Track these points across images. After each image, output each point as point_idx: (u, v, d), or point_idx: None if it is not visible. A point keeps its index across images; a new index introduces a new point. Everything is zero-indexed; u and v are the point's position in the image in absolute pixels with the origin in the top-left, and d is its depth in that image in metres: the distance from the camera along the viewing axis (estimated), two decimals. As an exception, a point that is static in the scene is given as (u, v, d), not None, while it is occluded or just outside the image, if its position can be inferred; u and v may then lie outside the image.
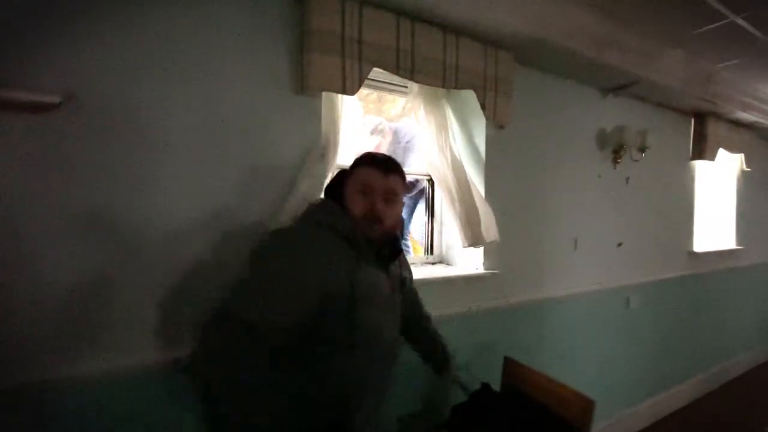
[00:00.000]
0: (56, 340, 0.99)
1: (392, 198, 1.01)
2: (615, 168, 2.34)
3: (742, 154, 3.24)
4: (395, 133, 2.35)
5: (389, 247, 1.04)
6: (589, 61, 1.83)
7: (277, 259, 0.91)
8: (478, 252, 1.80)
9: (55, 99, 0.96)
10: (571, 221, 2.14)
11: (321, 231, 0.95)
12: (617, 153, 2.31)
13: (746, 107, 2.80)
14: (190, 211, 1.14)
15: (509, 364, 1.55)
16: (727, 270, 3.28)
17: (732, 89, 2.57)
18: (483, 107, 1.65)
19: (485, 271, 1.78)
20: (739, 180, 3.40)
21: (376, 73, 1.64)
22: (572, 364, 2.14)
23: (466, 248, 1.71)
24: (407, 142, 2.32)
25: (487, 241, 1.68)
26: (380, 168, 1.01)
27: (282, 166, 1.29)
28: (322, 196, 1.11)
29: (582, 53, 1.75)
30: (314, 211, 1.01)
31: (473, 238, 1.67)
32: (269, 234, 0.99)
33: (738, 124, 3.08)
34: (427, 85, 1.53)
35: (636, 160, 2.38)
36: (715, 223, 3.35)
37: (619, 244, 2.38)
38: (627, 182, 2.42)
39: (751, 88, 2.62)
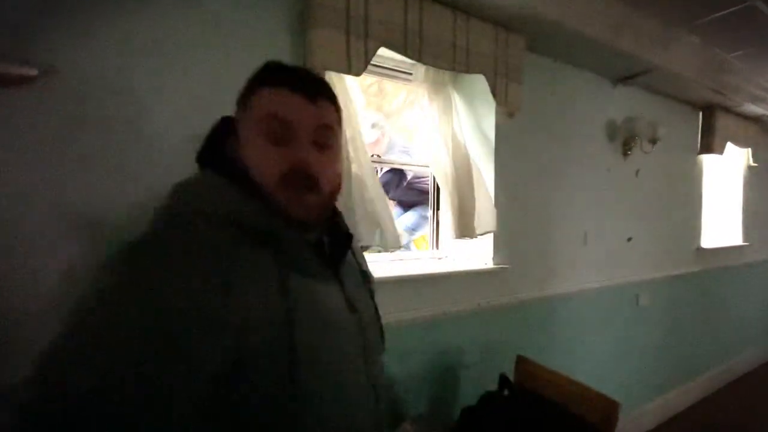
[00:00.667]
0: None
1: (328, 141, 0.60)
2: (625, 160, 2.27)
3: (749, 149, 3.18)
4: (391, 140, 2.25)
5: (337, 232, 0.67)
6: (602, 47, 1.75)
7: (121, 304, 0.46)
8: (488, 246, 1.72)
9: (32, 71, 0.87)
10: (580, 215, 2.07)
11: (202, 232, 0.52)
12: (627, 145, 2.24)
13: (755, 99, 2.74)
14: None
15: (522, 362, 1.48)
16: (735, 266, 3.22)
17: (743, 80, 2.50)
18: (494, 93, 1.57)
19: (494, 266, 1.70)
20: (745, 175, 3.34)
21: (380, 58, 1.57)
22: (582, 363, 2.06)
23: (456, 240, 1.64)
24: (404, 148, 2.21)
25: (478, 232, 1.61)
26: (301, 89, 0.57)
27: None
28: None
29: (597, 37, 1.67)
30: (184, 195, 0.56)
31: (462, 230, 1.60)
32: (114, 254, 0.50)
33: (745, 117, 3.02)
34: (436, 67, 1.45)
35: (646, 153, 2.31)
36: (721, 219, 3.30)
37: (629, 239, 2.31)
38: (637, 175, 2.35)
39: (761, 79, 2.56)
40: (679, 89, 2.41)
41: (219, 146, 0.62)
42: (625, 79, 2.17)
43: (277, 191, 0.56)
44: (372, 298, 0.73)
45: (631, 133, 2.18)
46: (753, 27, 1.93)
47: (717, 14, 1.82)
